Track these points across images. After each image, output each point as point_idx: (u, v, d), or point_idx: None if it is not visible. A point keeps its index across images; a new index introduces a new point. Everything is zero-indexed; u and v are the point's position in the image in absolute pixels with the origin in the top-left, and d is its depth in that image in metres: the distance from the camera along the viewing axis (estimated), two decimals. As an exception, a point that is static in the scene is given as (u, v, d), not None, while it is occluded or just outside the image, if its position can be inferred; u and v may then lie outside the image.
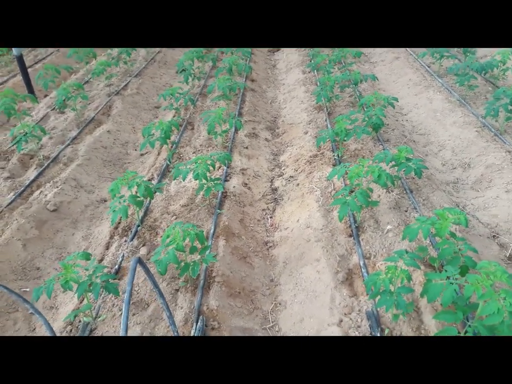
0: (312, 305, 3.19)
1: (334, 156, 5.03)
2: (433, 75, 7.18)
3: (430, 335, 2.74)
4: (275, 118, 6.82)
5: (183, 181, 4.37)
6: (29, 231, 4.08)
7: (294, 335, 3.03)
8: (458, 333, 2.42)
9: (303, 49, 9.53)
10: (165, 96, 6.03)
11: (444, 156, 5.23)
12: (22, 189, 4.62)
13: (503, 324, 2.17)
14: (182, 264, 3.09)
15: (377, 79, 6.76)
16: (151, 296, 3.22)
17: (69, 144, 5.62)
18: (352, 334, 2.85)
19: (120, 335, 1.84)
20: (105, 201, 4.90)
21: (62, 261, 2.87)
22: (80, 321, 3.09)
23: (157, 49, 9.72)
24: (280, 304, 3.36)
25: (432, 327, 2.77)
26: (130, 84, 7.63)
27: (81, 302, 3.25)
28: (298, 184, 4.70)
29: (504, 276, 2.33)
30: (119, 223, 4.20)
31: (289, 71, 8.70)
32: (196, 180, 3.90)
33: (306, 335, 2.97)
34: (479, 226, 3.97)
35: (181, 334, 2.85)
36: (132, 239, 3.88)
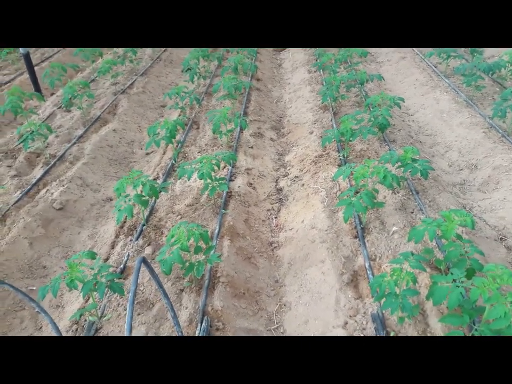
0: (317, 307, 3.19)
1: (339, 156, 5.01)
2: (440, 75, 7.13)
3: (435, 338, 2.73)
4: (280, 117, 6.80)
5: (188, 180, 4.37)
6: (36, 229, 4.10)
7: (298, 335, 3.02)
8: (464, 336, 2.40)
9: (309, 48, 9.50)
10: (171, 95, 6.04)
11: (451, 157, 5.20)
12: (29, 187, 4.65)
13: (510, 328, 2.15)
14: (187, 264, 3.09)
15: (383, 79, 6.72)
16: (156, 296, 3.22)
17: (75, 143, 5.64)
18: (357, 336, 2.84)
19: (125, 335, 1.85)
20: (111, 200, 4.92)
21: (68, 260, 2.88)
22: (85, 320, 3.10)
23: (163, 48, 9.73)
24: (285, 305, 3.36)
25: (438, 330, 2.75)
26: (136, 83, 7.65)
27: (86, 301, 3.26)
28: (303, 185, 4.69)
29: (511, 279, 2.31)
30: (125, 222, 4.22)
31: (295, 71, 8.68)
32: (201, 179, 3.90)
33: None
34: (486, 229, 3.94)
35: (185, 335, 2.86)
36: (137, 239, 3.89)
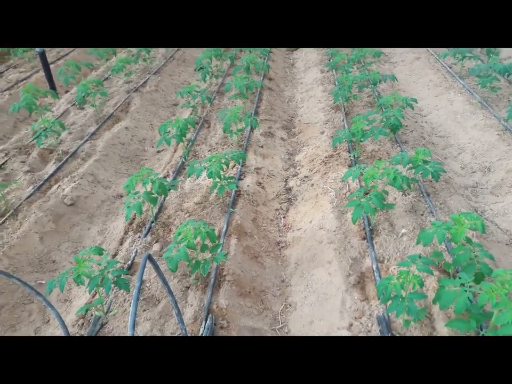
0: (322, 308, 3.17)
1: (350, 156, 4.98)
2: (454, 76, 7.03)
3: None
4: (292, 117, 6.78)
5: (197, 178, 4.39)
6: (46, 224, 4.16)
7: (302, 335, 3.01)
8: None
9: (322, 48, 9.45)
10: (182, 94, 6.07)
11: (464, 159, 5.12)
12: (41, 183, 4.72)
13: (517, 334, 2.11)
14: (193, 262, 3.11)
15: (397, 80, 6.65)
16: (162, 293, 3.24)
17: (87, 140, 5.71)
18: (362, 338, 2.82)
19: (128, 335, 1.86)
20: (121, 196, 4.96)
21: (75, 255, 2.91)
22: (92, 315, 3.14)
23: (176, 47, 9.78)
24: (290, 305, 3.34)
25: (444, 334, 2.71)
26: (149, 81, 7.70)
27: (94, 296, 3.29)
28: (312, 185, 4.67)
29: (520, 285, 2.26)
30: (134, 219, 4.25)
31: (308, 70, 8.65)
32: (210, 178, 3.91)
33: (316, 337, 2.95)
34: (497, 233, 3.87)
35: (189, 332, 2.87)
36: (145, 235, 3.91)
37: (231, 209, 4.10)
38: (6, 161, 5.25)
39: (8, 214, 4.19)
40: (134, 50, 9.05)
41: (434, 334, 2.76)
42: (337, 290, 3.23)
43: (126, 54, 9.01)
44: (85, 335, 2.95)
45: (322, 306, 3.19)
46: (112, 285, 3.00)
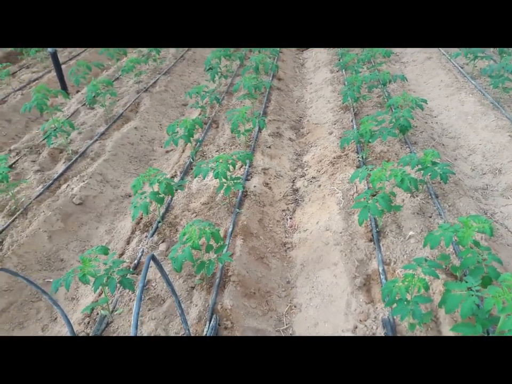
0: (327, 310, 3.15)
1: (358, 157, 4.94)
2: (466, 76, 6.93)
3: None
4: (300, 117, 6.76)
5: (204, 179, 4.40)
6: (55, 223, 4.21)
7: (306, 335, 2.99)
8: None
9: (332, 48, 9.40)
10: (191, 94, 6.09)
11: (474, 160, 5.05)
12: (50, 182, 4.78)
13: (524, 340, 2.07)
14: (198, 262, 3.11)
15: (407, 80, 6.60)
16: (167, 292, 3.26)
17: (97, 140, 5.76)
18: (367, 341, 2.79)
19: (131, 335, 1.87)
20: (129, 196, 5.00)
21: (81, 255, 2.94)
22: (97, 313, 3.16)
23: (186, 48, 9.81)
24: (295, 306, 3.33)
25: (450, 338, 2.67)
26: (159, 81, 7.74)
27: (99, 295, 3.32)
28: (320, 186, 4.65)
29: (528, 290, 2.22)
30: (141, 218, 4.27)
31: (317, 70, 8.61)
32: (216, 178, 3.92)
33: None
34: (507, 236, 3.81)
35: (193, 332, 2.88)
36: (152, 235, 3.94)
37: (237, 209, 4.10)
38: (17, 160, 5.32)
39: (18, 213, 4.25)
40: (144, 50, 9.11)
41: (440, 338, 2.72)
42: (342, 293, 3.21)
43: (136, 54, 9.07)
44: (88, 335, 2.97)
45: (327, 308, 3.18)
46: (118, 285, 3.02)
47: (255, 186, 4.53)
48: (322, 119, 6.30)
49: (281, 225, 4.25)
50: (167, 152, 5.93)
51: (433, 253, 3.40)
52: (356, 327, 2.90)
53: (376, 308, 3.04)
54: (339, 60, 8.40)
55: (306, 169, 5.18)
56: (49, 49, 7.06)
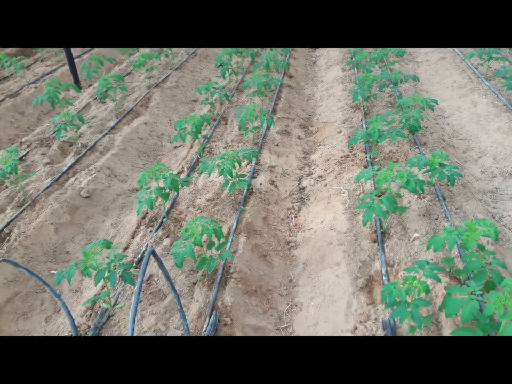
0: (328, 310, 3.14)
1: (366, 157, 4.90)
2: (480, 77, 6.81)
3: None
4: (310, 115, 6.73)
5: (209, 176, 4.41)
6: (62, 216, 4.26)
7: (305, 336, 2.98)
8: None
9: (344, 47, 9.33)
10: (200, 90, 6.10)
11: (484, 163, 4.96)
12: (59, 175, 4.84)
13: (524, 347, 2.03)
14: (200, 258, 3.12)
15: (419, 79, 6.50)
16: (169, 288, 3.27)
17: (106, 134, 5.81)
18: (366, 343, 2.77)
19: (129, 329, 1.88)
20: (137, 191, 5.03)
21: (84, 248, 2.97)
22: (100, 306, 3.20)
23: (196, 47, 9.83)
24: (296, 305, 3.33)
25: (450, 343, 2.64)
26: (170, 77, 7.77)
27: (102, 288, 3.35)
28: (326, 185, 4.62)
29: (529, 296, 2.18)
30: (147, 213, 4.30)
31: (329, 68, 8.55)
32: (221, 175, 3.92)
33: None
34: (515, 240, 3.75)
35: (193, 328, 2.90)
36: (156, 230, 3.96)
37: (242, 207, 4.10)
38: (28, 152, 5.40)
39: (26, 205, 4.31)
40: (156, 46, 9.14)
41: (440, 342, 2.69)
42: (344, 293, 3.19)
43: (148, 49, 9.10)
44: (86, 335, 3.00)
45: (328, 308, 3.16)
46: (121, 279, 3.04)
47: (260, 184, 4.53)
48: (332, 118, 6.26)
49: (285, 223, 4.24)
50: (175, 147, 5.96)
51: (438, 256, 3.36)
52: (356, 328, 2.88)
53: (377, 309, 3.02)
54: (351, 58, 8.33)
55: (314, 168, 5.15)
56: (63, 43, 7.13)
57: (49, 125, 6.18)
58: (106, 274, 2.82)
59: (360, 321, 2.94)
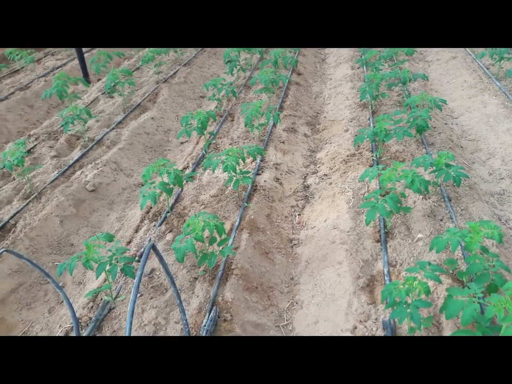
0: (328, 309, 3.13)
1: (372, 156, 4.87)
2: (491, 77, 6.72)
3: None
4: (317, 113, 6.69)
5: (213, 172, 4.41)
6: (67, 208, 4.29)
7: (305, 336, 2.98)
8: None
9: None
10: (207, 87, 6.10)
11: (492, 164, 4.90)
12: (65, 168, 4.88)
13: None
14: (201, 253, 3.13)
15: (428, 79, 6.44)
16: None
17: (113, 128, 5.84)
18: (365, 342, 2.76)
19: (126, 335, 1.89)
20: (142, 185, 5.04)
21: (86, 241, 3.00)
22: (101, 299, 3.22)
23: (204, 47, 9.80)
24: (297, 303, 3.32)
25: (450, 345, 2.62)
26: (178, 73, 7.78)
27: (104, 281, 3.38)
28: (331, 183, 4.60)
29: (531, 299, 2.16)
30: (151, 208, 4.33)
31: (338, 66, 8.50)
32: (225, 172, 3.92)
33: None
34: (521, 243, 3.70)
35: (192, 323, 2.91)
36: (160, 225, 3.98)
37: (246, 203, 4.10)
38: (36, 145, 5.45)
39: (32, 197, 4.36)
40: (166, 41, 9.15)
41: (440, 344, 2.67)
42: (344, 292, 3.18)
43: (158, 44, 9.13)
44: (84, 334, 3.02)
45: (328, 306, 3.16)
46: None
47: (265, 181, 4.52)
48: (339, 116, 6.22)
49: (289, 221, 4.23)
50: (181, 143, 5.98)
51: (441, 257, 3.33)
52: (356, 328, 2.87)
53: (378, 309, 3.00)
54: (361, 56, 8.26)
55: (319, 166, 5.13)
56: (72, 37, 7.17)
57: (58, 118, 6.22)
58: (107, 268, 2.84)
59: (360, 321, 2.93)
